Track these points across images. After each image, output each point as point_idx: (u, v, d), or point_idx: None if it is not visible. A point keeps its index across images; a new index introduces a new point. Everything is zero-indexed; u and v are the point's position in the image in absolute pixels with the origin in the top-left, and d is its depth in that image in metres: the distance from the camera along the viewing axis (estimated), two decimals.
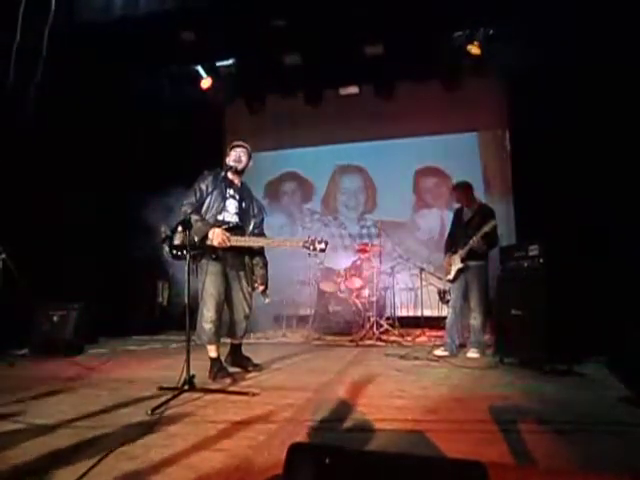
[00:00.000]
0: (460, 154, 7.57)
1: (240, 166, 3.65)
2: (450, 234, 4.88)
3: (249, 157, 3.72)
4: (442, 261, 4.91)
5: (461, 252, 4.51)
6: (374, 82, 7.55)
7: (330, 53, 6.59)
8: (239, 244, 3.45)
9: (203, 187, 3.53)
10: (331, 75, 7.33)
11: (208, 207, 3.52)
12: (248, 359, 3.84)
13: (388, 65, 6.86)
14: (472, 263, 4.49)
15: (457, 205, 4.92)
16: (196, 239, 3.28)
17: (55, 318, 4.95)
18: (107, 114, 6.32)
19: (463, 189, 4.71)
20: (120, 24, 5.51)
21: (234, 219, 3.59)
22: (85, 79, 5.90)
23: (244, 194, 3.73)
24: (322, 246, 3.36)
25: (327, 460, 0.92)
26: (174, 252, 3.39)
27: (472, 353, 4.44)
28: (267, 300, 3.83)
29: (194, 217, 3.31)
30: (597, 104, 5.10)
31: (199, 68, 7.12)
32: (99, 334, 5.92)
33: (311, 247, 3.34)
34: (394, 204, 7.97)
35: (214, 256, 3.41)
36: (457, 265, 4.56)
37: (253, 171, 3.91)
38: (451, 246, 4.73)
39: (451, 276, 4.64)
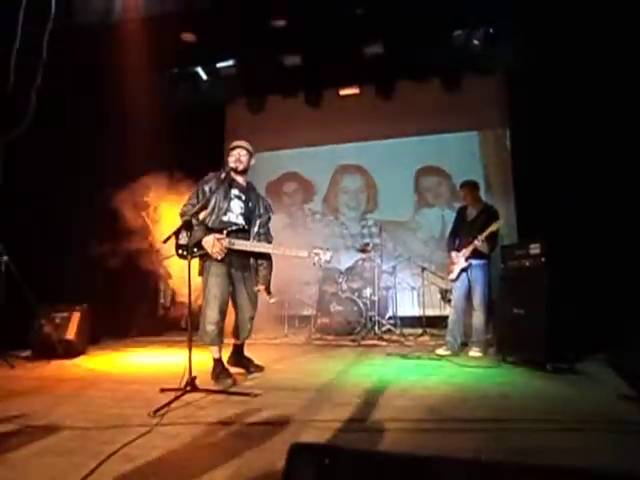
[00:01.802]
0: (461, 153, 7.58)
1: (241, 166, 3.61)
2: (452, 232, 4.87)
3: (250, 156, 3.68)
4: (444, 260, 4.93)
5: (464, 251, 4.53)
6: (374, 82, 7.56)
7: (330, 53, 6.59)
8: (241, 248, 3.44)
9: (206, 189, 3.51)
10: (331, 75, 7.33)
11: (212, 209, 3.50)
12: (250, 360, 3.84)
13: (388, 65, 6.87)
14: (475, 262, 4.51)
15: (458, 204, 4.92)
16: (190, 243, 3.26)
17: (57, 320, 4.95)
18: (107, 116, 6.32)
19: (470, 188, 4.73)
20: (120, 26, 5.52)
21: (239, 220, 3.57)
22: (85, 82, 5.90)
23: (250, 194, 3.70)
24: (327, 258, 3.32)
25: (327, 460, 0.92)
26: (180, 252, 3.39)
27: (474, 352, 4.44)
28: (272, 300, 3.81)
29: (194, 221, 3.30)
30: (598, 102, 5.08)
31: (199, 70, 7.12)
32: (101, 335, 5.93)
33: (316, 258, 3.32)
34: (395, 203, 7.98)
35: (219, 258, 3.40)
36: (460, 264, 4.57)
37: (254, 172, 3.89)
38: (454, 245, 4.74)
39: (454, 275, 4.64)
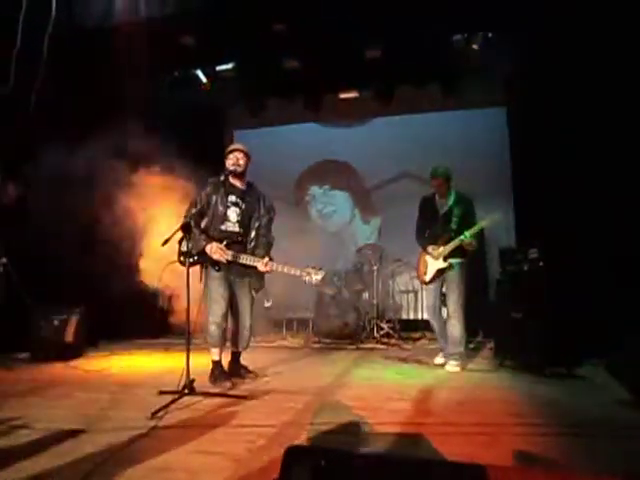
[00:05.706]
0: (460, 156, 7.57)
1: (240, 169, 3.64)
2: (422, 226, 4.25)
3: (248, 158, 3.71)
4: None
5: (443, 249, 3.97)
6: (374, 86, 7.58)
7: (330, 57, 6.60)
8: (245, 262, 3.45)
9: (204, 197, 3.56)
10: (331, 79, 7.35)
11: (210, 218, 3.56)
12: (245, 368, 3.82)
13: (387, 69, 6.89)
14: (453, 261, 3.99)
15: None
16: (194, 252, 3.31)
17: (55, 322, 4.93)
18: (107, 119, 6.33)
19: (445, 177, 4.15)
20: (119, 29, 5.53)
21: (236, 228, 3.59)
22: (85, 83, 5.91)
23: (248, 197, 3.70)
24: (318, 277, 3.35)
25: (323, 462, 0.92)
26: (182, 259, 3.40)
27: (451, 367, 3.93)
28: (267, 304, 3.82)
29: (195, 231, 3.36)
30: (598, 106, 5.10)
31: (199, 73, 7.15)
32: (99, 337, 5.91)
33: (307, 278, 3.34)
34: (394, 206, 7.97)
35: (217, 268, 3.44)
36: (438, 264, 4.01)
37: (253, 176, 3.90)
38: (427, 240, 4.15)
39: (429, 277, 4.10)
